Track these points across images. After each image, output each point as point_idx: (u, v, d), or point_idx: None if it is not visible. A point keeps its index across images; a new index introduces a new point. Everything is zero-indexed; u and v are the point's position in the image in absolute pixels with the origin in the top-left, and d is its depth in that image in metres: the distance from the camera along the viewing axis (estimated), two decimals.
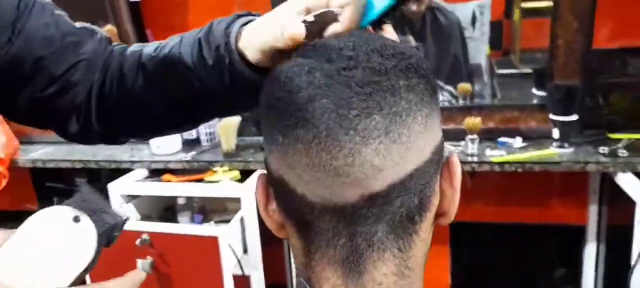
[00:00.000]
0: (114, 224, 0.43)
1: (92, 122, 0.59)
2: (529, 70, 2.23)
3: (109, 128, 0.61)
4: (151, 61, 0.56)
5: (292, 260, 1.39)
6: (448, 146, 1.43)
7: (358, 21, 0.44)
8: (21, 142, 1.89)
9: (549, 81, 1.44)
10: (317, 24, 0.43)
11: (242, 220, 1.37)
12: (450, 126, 1.47)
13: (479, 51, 2.16)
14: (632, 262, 1.19)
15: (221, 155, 1.57)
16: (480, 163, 1.34)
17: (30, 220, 0.40)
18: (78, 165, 1.69)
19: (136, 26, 1.67)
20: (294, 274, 1.64)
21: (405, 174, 0.36)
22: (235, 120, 1.57)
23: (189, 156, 1.58)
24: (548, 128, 1.41)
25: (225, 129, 1.56)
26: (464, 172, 1.32)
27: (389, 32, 0.46)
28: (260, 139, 1.67)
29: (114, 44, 0.61)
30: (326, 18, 0.42)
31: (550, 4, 2.15)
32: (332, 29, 0.43)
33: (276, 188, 0.41)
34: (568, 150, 1.35)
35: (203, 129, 1.67)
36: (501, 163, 1.32)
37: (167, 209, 1.65)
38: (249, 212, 1.37)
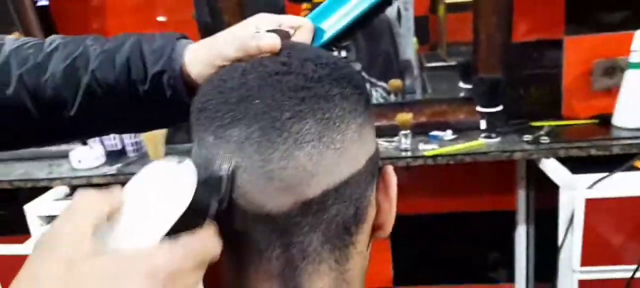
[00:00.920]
0: (215, 179, 0.34)
1: None
2: (456, 63, 2.32)
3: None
4: (38, 81, 0.49)
5: None
6: (382, 143, 1.43)
7: (308, 43, 0.47)
8: None
9: (473, 74, 1.48)
10: None
11: None
12: (384, 122, 1.48)
13: (407, 46, 2.21)
14: (559, 243, 1.25)
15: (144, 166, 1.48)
16: (415, 157, 1.36)
17: (139, 175, 0.34)
18: None
19: (46, 32, 1.55)
20: None
21: (339, 181, 0.36)
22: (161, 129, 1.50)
23: (114, 169, 1.48)
24: (476, 119, 1.46)
25: (151, 138, 1.48)
26: (399, 168, 1.35)
27: None
28: (191, 146, 1.60)
29: None
30: (281, 35, 0.42)
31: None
32: None
33: None
34: (495, 140, 1.40)
35: (127, 139, 1.58)
36: (434, 157, 1.35)
37: None
38: None
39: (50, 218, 1.43)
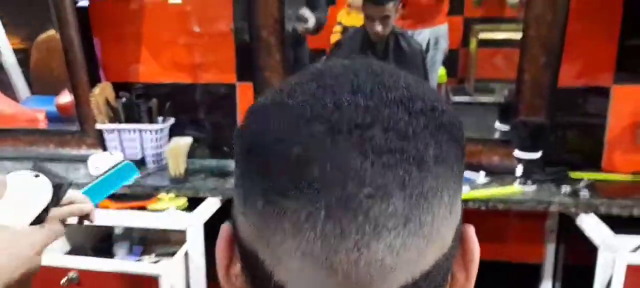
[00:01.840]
0: (61, 183, 0.62)
1: None
2: (484, 99, 2.25)
3: None
4: None
5: None
6: None
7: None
8: None
9: (514, 116, 1.41)
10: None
11: (186, 255, 1.25)
12: None
13: (432, 79, 2.17)
14: None
15: (167, 179, 1.44)
16: None
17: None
18: None
19: (82, 33, 1.53)
20: None
21: (420, 273, 0.28)
22: (185, 141, 1.46)
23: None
24: (511, 163, 1.39)
25: (174, 152, 1.43)
26: None
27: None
28: (214, 162, 1.57)
29: None
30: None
31: (507, 36, 2.18)
32: None
33: (245, 259, 0.32)
34: (531, 188, 1.32)
35: (149, 150, 1.54)
36: (465, 200, 1.28)
37: (102, 240, 1.49)
38: (194, 246, 1.24)
39: None
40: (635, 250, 1.10)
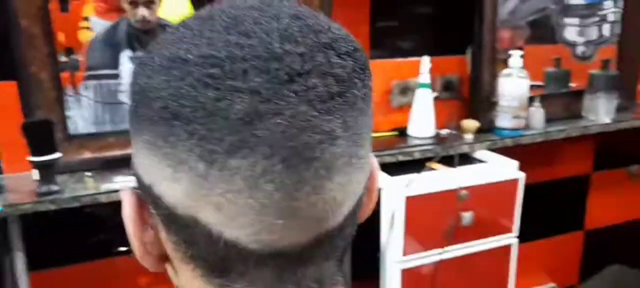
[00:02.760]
0: None
1: None
2: None
3: None
4: None
5: None
6: None
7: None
8: None
9: None
10: None
11: None
12: None
13: None
14: (383, 240, 1.42)
15: None
16: None
17: None
18: None
19: None
20: None
21: (357, 199, 0.32)
22: None
23: None
24: None
25: None
26: None
27: None
28: None
29: None
30: None
31: None
32: None
33: (176, 226, 0.30)
34: None
35: None
36: None
37: None
38: None
39: None
40: (408, 185, 1.38)
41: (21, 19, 1.22)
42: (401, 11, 1.65)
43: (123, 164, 1.31)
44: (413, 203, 1.37)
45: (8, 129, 1.21)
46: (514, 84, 1.62)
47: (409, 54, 1.66)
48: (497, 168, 1.54)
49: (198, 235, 0.29)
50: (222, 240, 0.29)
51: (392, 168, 1.46)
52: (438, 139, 1.61)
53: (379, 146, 1.56)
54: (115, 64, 1.39)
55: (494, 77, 1.71)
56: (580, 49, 1.96)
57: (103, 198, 1.15)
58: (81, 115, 1.34)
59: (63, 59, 1.33)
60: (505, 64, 1.67)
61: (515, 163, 1.55)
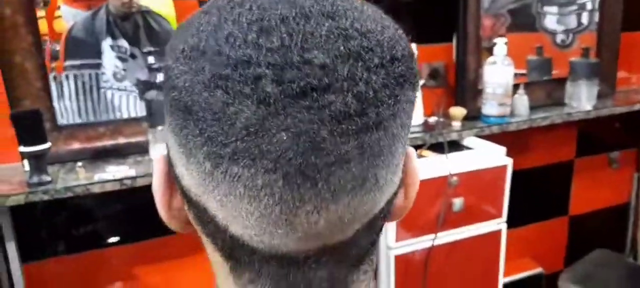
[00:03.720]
0: None
1: None
2: None
3: None
4: None
5: None
6: None
7: None
8: None
9: None
10: None
11: None
12: None
13: None
14: None
15: None
16: None
17: None
18: None
19: None
20: None
21: (374, 215, 0.30)
22: None
23: None
24: None
25: None
26: None
27: None
28: None
29: None
30: None
31: None
32: None
33: (193, 208, 0.31)
34: None
35: None
36: None
37: None
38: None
39: None
40: None
41: (4, 8, 1.20)
42: None
43: (113, 154, 1.30)
44: None
45: None
46: (499, 72, 1.65)
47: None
48: (486, 155, 1.57)
49: (208, 220, 0.30)
50: (228, 233, 0.29)
51: None
52: (426, 127, 1.63)
53: None
54: (96, 54, 1.37)
55: (479, 64, 1.74)
56: (559, 37, 2.00)
57: (96, 189, 1.13)
58: (65, 105, 1.32)
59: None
60: (489, 52, 1.70)
61: (503, 150, 1.58)
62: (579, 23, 2.01)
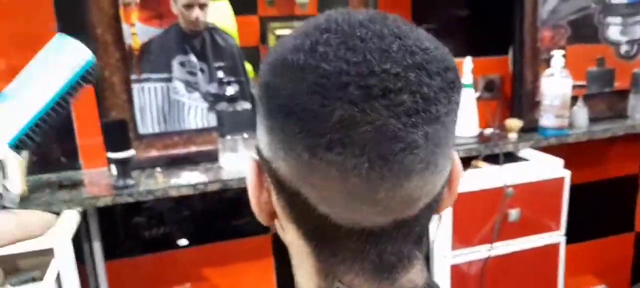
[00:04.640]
0: None
1: None
2: None
3: None
4: None
5: None
6: None
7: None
8: None
9: None
10: None
11: (59, 277, 1.09)
12: None
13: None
14: (432, 235, 1.46)
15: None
16: None
17: None
18: None
19: None
20: None
21: (433, 197, 0.37)
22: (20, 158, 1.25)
23: None
24: None
25: None
26: None
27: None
28: (53, 176, 1.38)
29: None
30: None
31: None
32: None
33: (285, 195, 0.38)
34: None
35: None
36: None
37: None
38: (66, 265, 1.10)
39: None
40: None
41: (96, 28, 1.35)
42: (441, 13, 1.71)
43: (186, 161, 1.41)
44: (460, 199, 1.40)
45: (85, 129, 1.34)
46: (556, 84, 1.65)
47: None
48: (542, 167, 1.56)
49: (300, 204, 0.36)
50: (317, 213, 0.35)
51: None
52: (481, 138, 1.64)
53: None
54: (167, 68, 1.49)
55: (536, 76, 1.74)
56: (623, 48, 1.96)
57: (173, 192, 1.24)
58: (144, 117, 1.45)
59: None
60: (547, 64, 1.70)
61: (560, 162, 1.57)
62: None
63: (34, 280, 1.19)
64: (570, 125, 1.71)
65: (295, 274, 0.43)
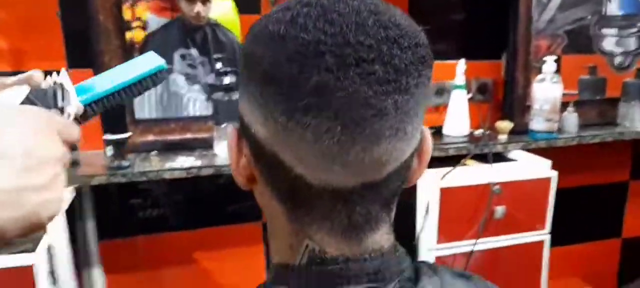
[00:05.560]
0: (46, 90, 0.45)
1: None
2: None
3: None
4: None
5: None
6: None
7: None
8: None
9: None
10: None
11: (49, 248, 1.13)
12: None
13: None
14: (418, 228, 1.49)
15: None
16: None
17: None
18: None
19: None
20: None
21: (401, 163, 0.39)
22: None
23: None
24: None
25: None
26: None
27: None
28: None
29: None
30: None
31: None
32: None
33: (263, 158, 0.41)
34: None
35: None
36: None
37: None
38: (58, 240, 1.14)
39: None
40: (443, 177, 1.46)
41: (99, 14, 1.39)
42: (437, 16, 1.75)
43: (182, 147, 1.45)
44: (447, 194, 1.44)
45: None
46: (547, 89, 1.68)
47: (446, 56, 1.75)
48: (530, 167, 1.60)
49: (276, 167, 0.38)
50: (293, 174, 0.38)
51: (428, 163, 1.53)
52: (472, 138, 1.68)
53: None
54: (169, 61, 1.53)
55: (527, 81, 1.78)
56: (618, 60, 2.00)
57: (166, 175, 1.28)
58: (142, 102, 1.49)
59: None
60: (539, 70, 1.74)
61: (548, 163, 1.60)
62: (639, 46, 1.99)
63: (25, 252, 1.22)
64: (560, 130, 1.74)
65: (270, 239, 0.46)
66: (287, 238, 0.43)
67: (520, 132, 1.73)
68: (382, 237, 0.42)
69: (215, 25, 1.89)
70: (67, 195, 1.24)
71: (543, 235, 1.58)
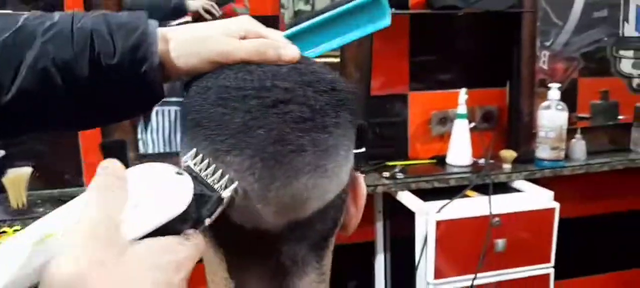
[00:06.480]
0: (209, 197, 0.35)
1: None
2: None
3: None
4: None
5: None
6: None
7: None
8: None
9: None
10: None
11: None
12: None
13: None
14: (416, 261, 1.49)
15: (7, 213, 1.33)
16: None
17: (135, 167, 0.35)
18: None
19: None
20: None
21: (326, 203, 0.40)
22: (25, 172, 1.36)
23: None
24: None
25: (13, 182, 1.33)
26: None
27: None
28: (55, 192, 1.48)
29: None
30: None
31: (326, 60, 2.54)
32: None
33: None
34: (361, 176, 1.61)
35: None
36: None
37: None
38: None
39: None
40: (439, 210, 1.45)
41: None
42: (439, 46, 1.75)
43: None
44: (445, 227, 1.43)
45: (91, 148, 1.44)
46: (552, 116, 1.66)
47: (449, 86, 1.75)
48: (532, 198, 1.57)
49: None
50: (228, 218, 0.38)
51: (428, 194, 1.53)
52: (475, 168, 1.66)
53: (416, 172, 1.65)
54: (179, 93, 1.58)
55: (532, 108, 1.75)
56: (636, 81, 1.95)
57: None
58: (152, 138, 1.55)
59: None
60: (545, 97, 1.71)
61: (550, 194, 1.57)
62: None
63: None
64: (568, 158, 1.71)
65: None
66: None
67: (526, 161, 1.71)
68: (311, 285, 0.42)
69: None
70: None
71: (547, 268, 1.54)
